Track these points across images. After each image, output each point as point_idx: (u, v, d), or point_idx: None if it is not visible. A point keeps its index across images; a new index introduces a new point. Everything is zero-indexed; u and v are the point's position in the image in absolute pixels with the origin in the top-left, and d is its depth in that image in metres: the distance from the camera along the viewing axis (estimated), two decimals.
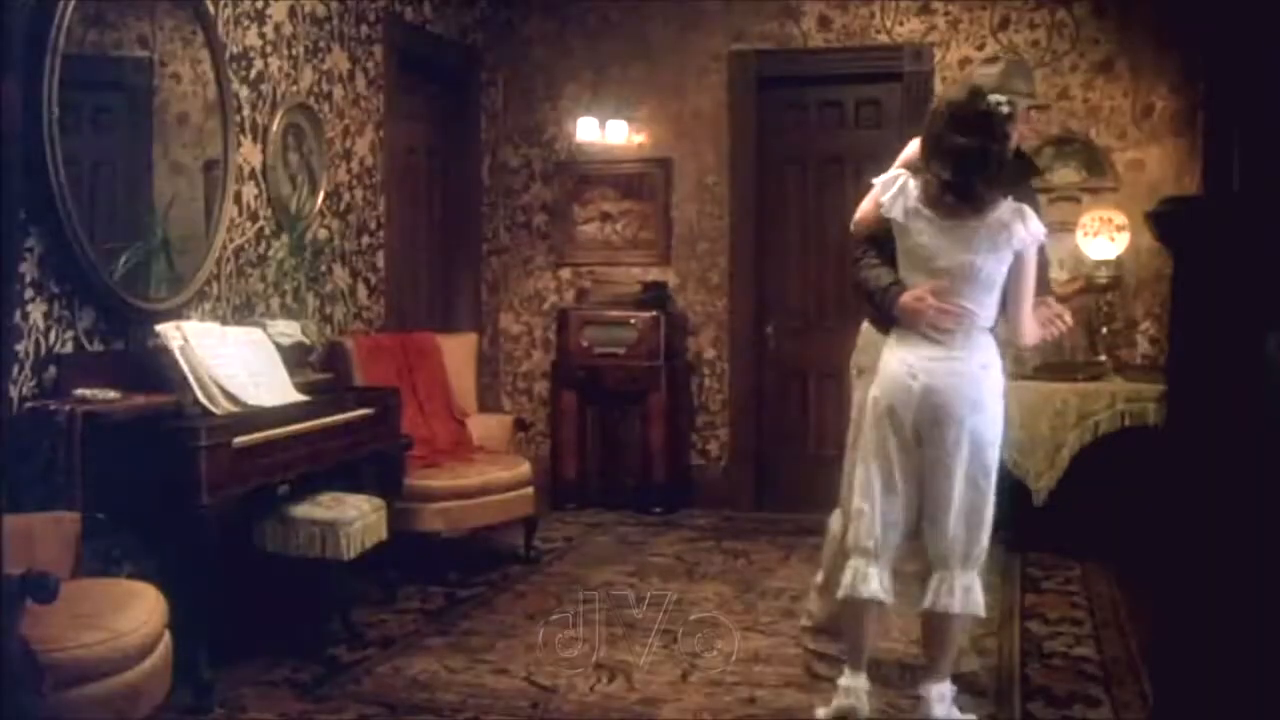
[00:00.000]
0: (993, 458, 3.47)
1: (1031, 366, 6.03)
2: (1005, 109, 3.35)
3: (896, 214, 3.47)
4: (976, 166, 3.31)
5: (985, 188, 3.33)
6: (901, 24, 6.54)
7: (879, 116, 6.66)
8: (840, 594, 3.55)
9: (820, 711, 3.57)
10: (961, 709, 3.56)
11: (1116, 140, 6.30)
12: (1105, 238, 6.00)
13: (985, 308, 3.44)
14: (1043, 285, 3.76)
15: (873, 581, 3.48)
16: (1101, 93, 6.31)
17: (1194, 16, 5.79)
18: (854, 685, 3.52)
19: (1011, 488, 5.57)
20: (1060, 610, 4.83)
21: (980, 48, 6.42)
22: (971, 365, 3.42)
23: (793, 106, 6.84)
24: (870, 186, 3.65)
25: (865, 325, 3.89)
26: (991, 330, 3.51)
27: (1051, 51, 6.35)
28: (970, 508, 3.44)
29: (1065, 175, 6.33)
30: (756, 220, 6.80)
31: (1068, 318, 3.67)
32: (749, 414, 6.84)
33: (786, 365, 6.83)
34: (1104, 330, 6.08)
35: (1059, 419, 5.56)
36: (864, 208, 3.66)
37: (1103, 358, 5.98)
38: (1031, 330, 3.53)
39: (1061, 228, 6.23)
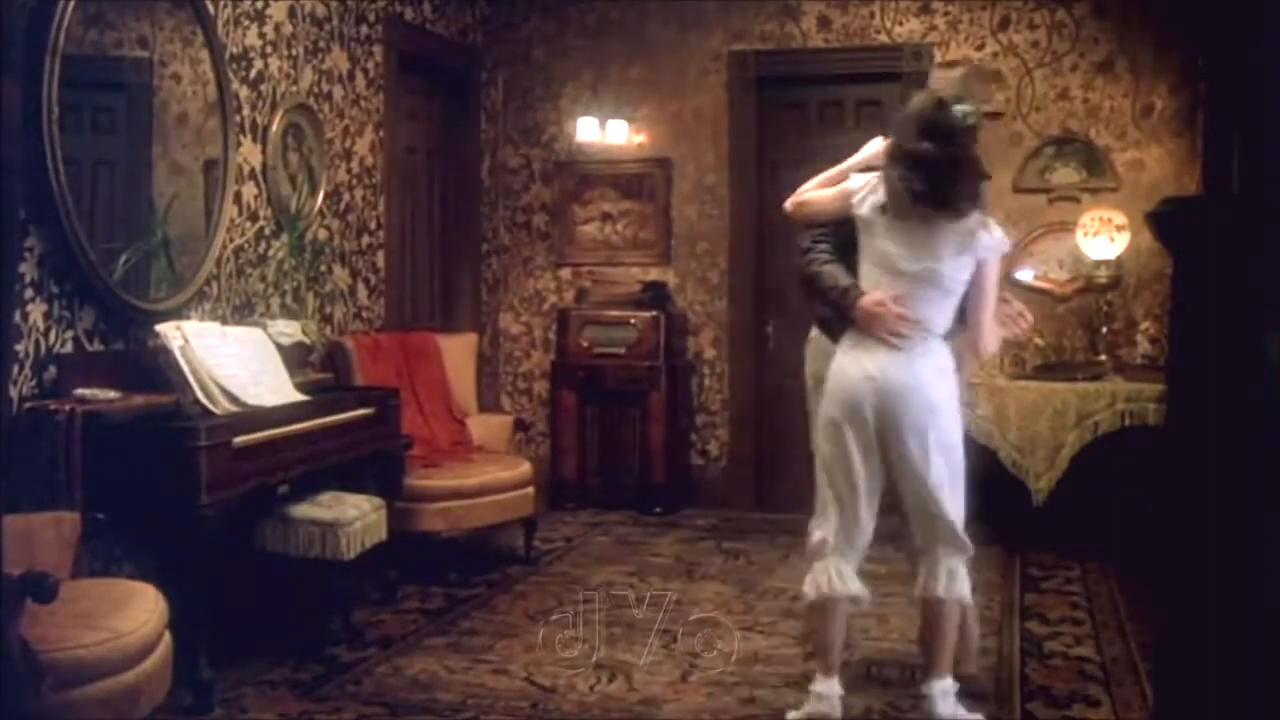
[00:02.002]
0: (958, 458, 3.50)
1: (1032, 366, 6.04)
2: (970, 120, 3.39)
3: (865, 212, 3.50)
4: (948, 175, 3.35)
5: (958, 196, 3.37)
6: (901, 24, 6.54)
7: (879, 116, 6.64)
8: (811, 596, 3.57)
9: (791, 714, 3.58)
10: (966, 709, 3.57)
11: (1116, 140, 6.30)
12: (1105, 238, 6.00)
13: (943, 315, 3.48)
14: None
15: (849, 581, 3.53)
16: (1101, 93, 6.31)
17: (1194, 16, 5.79)
18: (827, 691, 3.54)
19: (1011, 488, 5.61)
20: (1060, 610, 4.83)
21: (980, 48, 6.42)
22: (927, 370, 3.45)
23: (793, 106, 6.84)
24: (815, 175, 3.71)
25: (814, 333, 3.90)
26: (947, 338, 3.52)
27: (1051, 51, 6.35)
28: (938, 508, 3.47)
29: (1065, 175, 6.33)
30: (756, 220, 6.80)
31: (1029, 316, 3.70)
32: (749, 414, 6.84)
33: (786, 365, 6.80)
34: (1104, 330, 6.08)
35: (1059, 419, 5.56)
36: (815, 194, 3.68)
37: (1103, 358, 5.99)
38: (991, 339, 3.56)
39: (1061, 228, 6.25)
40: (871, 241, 3.50)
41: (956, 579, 3.49)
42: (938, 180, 3.34)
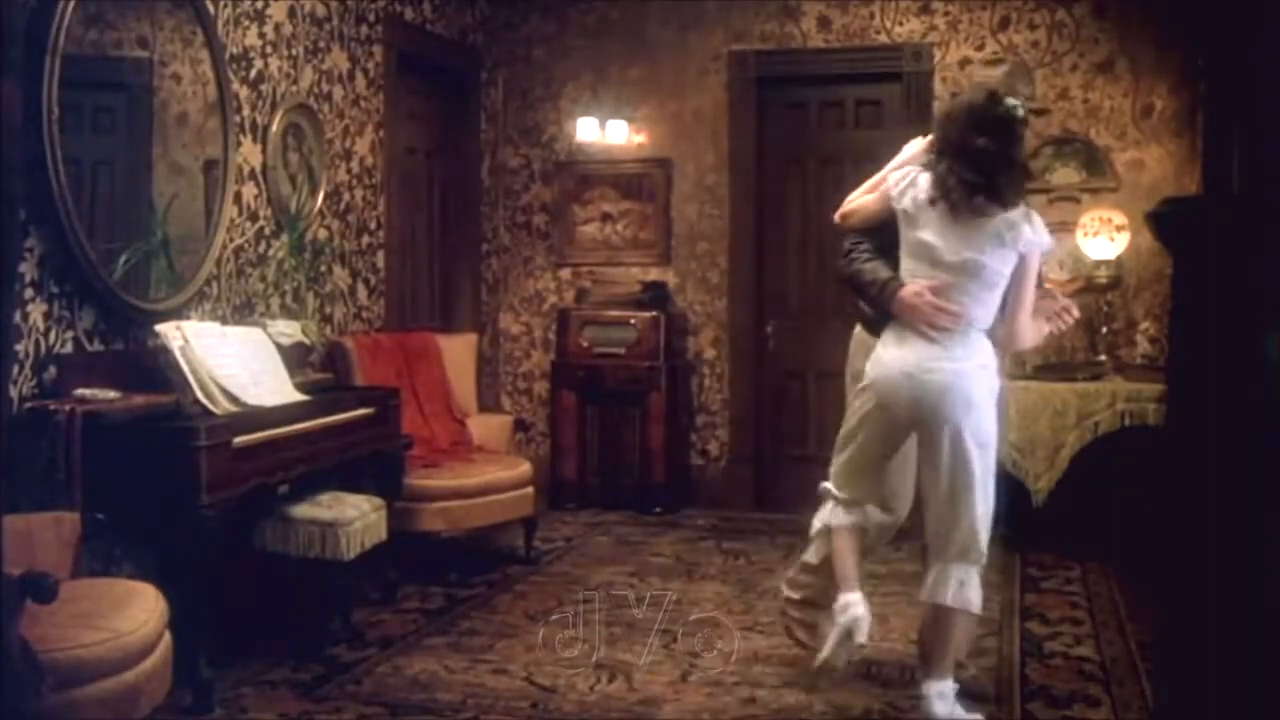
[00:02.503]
0: (989, 458, 3.49)
1: (1031, 366, 6.04)
2: (1019, 111, 3.43)
3: (907, 205, 3.50)
4: (1001, 168, 3.38)
5: (1010, 188, 3.39)
6: (901, 24, 6.54)
7: (879, 116, 6.66)
8: (816, 528, 3.74)
9: (822, 652, 3.57)
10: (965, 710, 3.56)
11: (1116, 140, 6.30)
12: (1105, 238, 6.00)
13: (985, 308, 3.46)
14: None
15: (846, 515, 3.65)
16: (1101, 93, 6.31)
17: (1194, 16, 5.79)
18: (851, 600, 3.53)
19: (1011, 488, 5.61)
20: (1060, 610, 4.83)
21: (980, 48, 6.42)
22: (968, 365, 3.44)
23: (793, 106, 6.84)
24: (862, 181, 3.75)
25: (858, 329, 3.91)
26: (988, 333, 3.52)
27: (1051, 51, 6.35)
28: (966, 505, 3.45)
29: (1065, 175, 6.33)
30: (756, 220, 6.80)
31: (1075, 310, 3.69)
32: (749, 414, 6.84)
33: (786, 365, 6.83)
34: (1104, 330, 6.08)
35: (1059, 419, 5.56)
36: (861, 200, 3.72)
37: (1103, 358, 5.99)
38: (1029, 334, 3.56)
39: (1061, 228, 6.25)
40: (912, 234, 3.51)
41: (967, 588, 3.48)
42: (991, 172, 3.36)
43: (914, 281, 3.47)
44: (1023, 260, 3.44)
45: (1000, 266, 3.42)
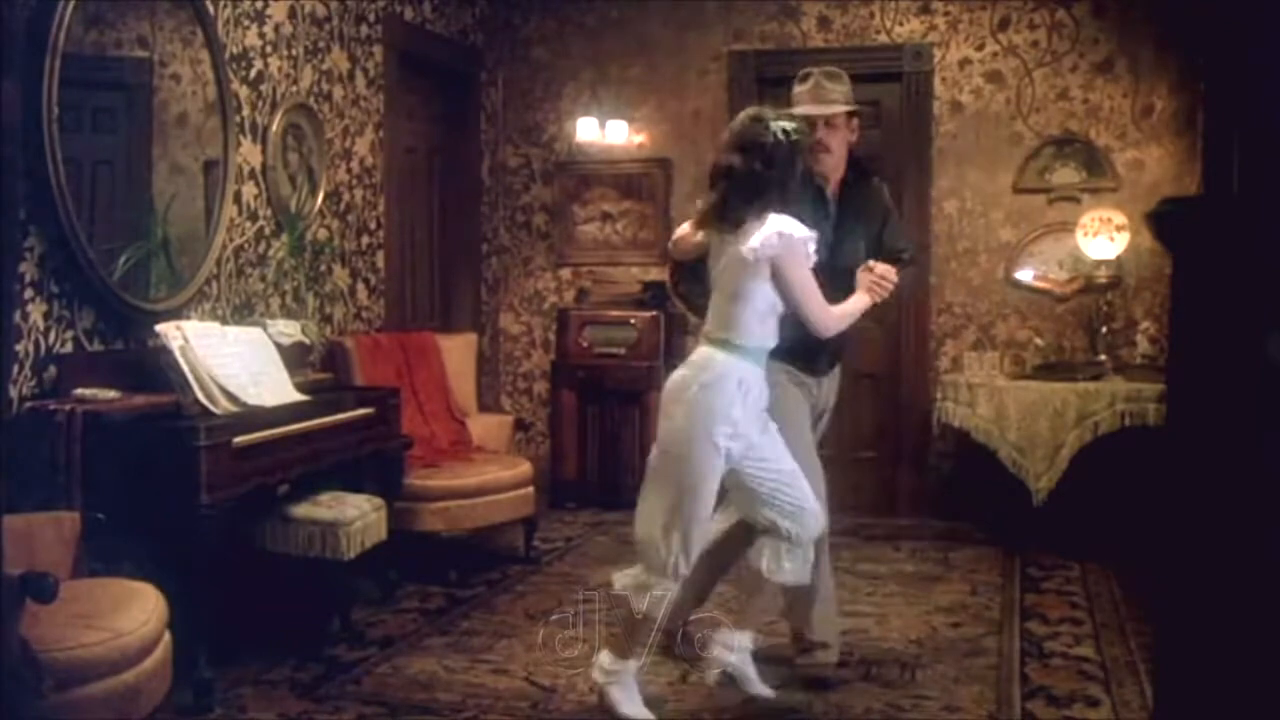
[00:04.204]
0: (673, 468, 3.46)
1: (1031, 366, 6.04)
2: (793, 135, 3.43)
3: (701, 236, 3.62)
4: (738, 188, 3.42)
5: (745, 209, 3.41)
6: (901, 24, 6.54)
7: (879, 116, 6.65)
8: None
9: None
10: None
11: (1116, 140, 6.30)
12: (1105, 238, 6.00)
13: (732, 321, 3.46)
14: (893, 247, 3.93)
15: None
16: (1101, 93, 6.31)
17: (1194, 17, 5.79)
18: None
19: (1011, 488, 5.62)
20: (1060, 610, 4.83)
21: (980, 48, 6.42)
22: (679, 374, 3.51)
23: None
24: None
25: None
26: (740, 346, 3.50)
27: (1051, 51, 6.35)
28: (641, 505, 3.55)
29: (1065, 175, 6.34)
30: None
31: (892, 275, 3.69)
32: None
33: None
34: (1104, 330, 6.08)
35: (1059, 419, 5.56)
36: (681, 232, 3.76)
37: (1103, 358, 5.98)
38: (826, 323, 3.56)
39: (1061, 228, 6.25)
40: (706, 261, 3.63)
41: (647, 603, 3.55)
42: (730, 189, 3.43)
43: None
44: (779, 269, 3.40)
45: (743, 280, 3.43)
